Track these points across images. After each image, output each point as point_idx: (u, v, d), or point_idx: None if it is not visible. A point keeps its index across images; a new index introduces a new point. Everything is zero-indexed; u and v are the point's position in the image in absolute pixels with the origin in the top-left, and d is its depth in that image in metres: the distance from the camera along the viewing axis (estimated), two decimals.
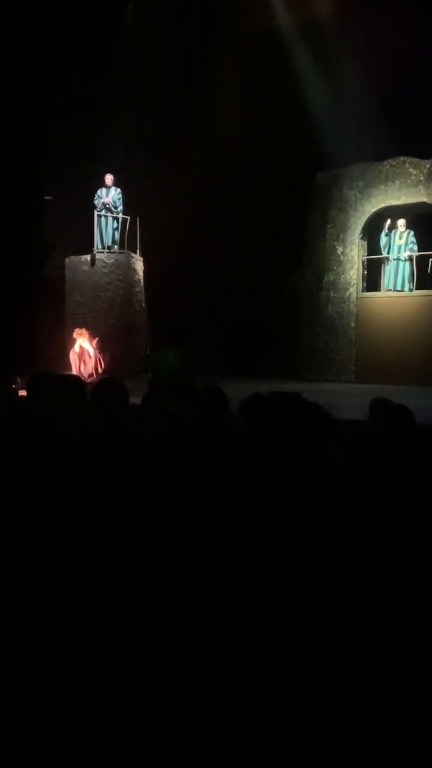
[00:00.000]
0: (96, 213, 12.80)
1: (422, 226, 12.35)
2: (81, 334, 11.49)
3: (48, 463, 2.23)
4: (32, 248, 13.65)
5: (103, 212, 12.82)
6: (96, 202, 12.83)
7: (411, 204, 12.18)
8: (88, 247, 12.86)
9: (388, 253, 12.16)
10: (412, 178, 12.07)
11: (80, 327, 11.78)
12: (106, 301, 12.69)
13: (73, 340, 11.56)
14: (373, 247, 12.66)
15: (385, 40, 11.86)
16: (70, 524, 1.90)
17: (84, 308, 12.66)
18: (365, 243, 12.79)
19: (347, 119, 12.95)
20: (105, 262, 12.76)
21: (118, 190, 12.91)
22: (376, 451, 3.01)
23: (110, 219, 12.83)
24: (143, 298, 13.46)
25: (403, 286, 12.13)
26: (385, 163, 12.35)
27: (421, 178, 11.98)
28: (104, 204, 12.79)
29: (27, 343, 11.76)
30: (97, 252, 12.78)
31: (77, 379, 3.63)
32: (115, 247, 12.87)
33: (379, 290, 12.55)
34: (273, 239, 13.80)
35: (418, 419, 3.34)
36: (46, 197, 14.26)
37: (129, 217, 12.80)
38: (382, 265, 12.41)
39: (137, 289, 13.22)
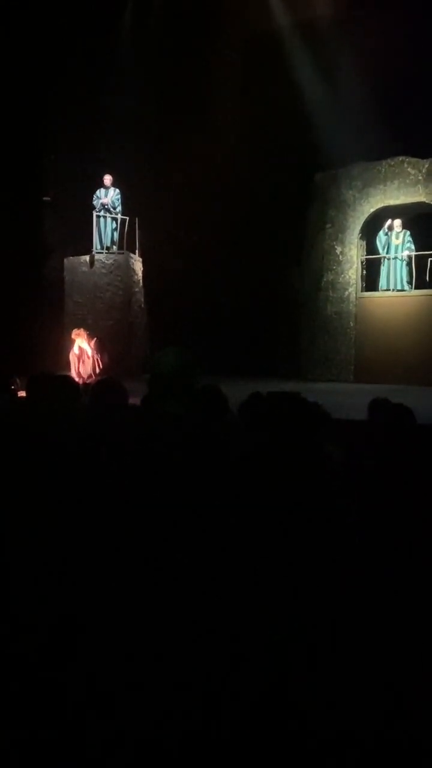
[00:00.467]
0: (95, 214, 12.81)
1: (421, 226, 12.37)
2: (79, 335, 11.48)
3: (47, 464, 2.23)
4: (31, 249, 13.66)
5: (102, 213, 12.82)
6: (95, 202, 12.83)
7: (410, 204, 12.19)
8: (87, 248, 12.86)
9: (387, 252, 12.18)
10: (411, 177, 12.08)
11: (78, 327, 11.78)
12: (105, 301, 12.70)
13: (72, 341, 11.55)
14: (371, 247, 12.67)
15: (385, 40, 11.86)
16: (70, 525, 1.90)
17: (83, 309, 12.66)
18: (364, 243, 12.81)
19: (346, 119, 12.95)
20: (104, 262, 12.76)
21: (117, 190, 12.91)
22: (376, 451, 3.02)
23: (109, 220, 12.83)
24: (142, 299, 13.47)
25: (402, 285, 12.14)
26: (384, 162, 12.36)
27: (420, 177, 12.00)
28: (103, 205, 12.80)
29: (26, 343, 11.77)
30: (96, 253, 12.79)
31: (71, 380, 3.64)
32: (114, 247, 12.87)
33: (378, 290, 12.56)
34: (272, 239, 13.81)
35: (417, 419, 3.34)
36: (44, 198, 14.26)
37: (128, 218, 12.80)
38: (381, 265, 12.43)
39: (136, 289, 13.23)
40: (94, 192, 12.89)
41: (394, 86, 12.70)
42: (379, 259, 12.37)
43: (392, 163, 12.28)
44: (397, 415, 3.23)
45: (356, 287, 12.66)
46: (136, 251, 13.13)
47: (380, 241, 12.21)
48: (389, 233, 12.14)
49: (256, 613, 1.71)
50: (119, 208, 12.86)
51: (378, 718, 1.67)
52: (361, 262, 12.71)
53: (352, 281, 12.65)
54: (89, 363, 11.34)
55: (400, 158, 12.21)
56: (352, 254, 12.67)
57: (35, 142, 13.76)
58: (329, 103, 13.47)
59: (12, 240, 13.01)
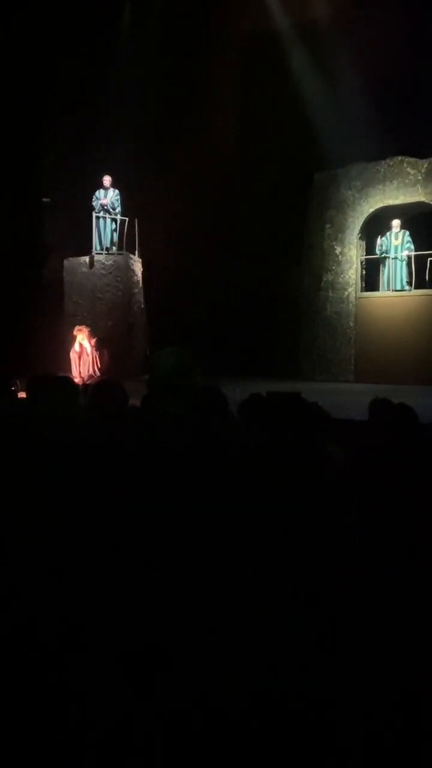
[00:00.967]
0: (94, 214, 12.80)
1: (420, 225, 12.37)
2: (81, 331, 11.49)
3: (47, 464, 2.23)
4: (31, 250, 13.66)
5: (101, 214, 12.82)
6: (94, 203, 12.83)
7: (409, 203, 12.19)
8: (86, 249, 12.86)
9: (387, 253, 12.17)
10: (410, 177, 12.08)
11: (80, 325, 11.77)
12: (104, 302, 12.70)
13: (73, 338, 11.55)
14: (371, 247, 12.67)
15: (384, 40, 11.87)
16: (70, 525, 1.90)
17: (83, 310, 12.67)
18: (363, 243, 12.80)
19: (345, 119, 12.96)
20: (103, 263, 12.76)
21: (116, 191, 12.91)
22: (378, 451, 3.01)
23: (108, 220, 12.83)
24: (142, 299, 13.47)
25: (401, 286, 12.14)
26: (383, 162, 12.36)
27: (419, 177, 12.00)
28: (102, 205, 12.79)
29: (26, 344, 11.76)
30: (96, 253, 12.79)
31: (71, 381, 3.64)
32: (114, 248, 12.87)
33: (378, 290, 12.56)
34: (271, 240, 13.81)
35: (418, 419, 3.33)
36: (44, 199, 14.26)
37: (127, 219, 12.80)
38: (380, 265, 12.43)
39: (136, 290, 13.23)
40: (94, 193, 12.89)
41: (394, 86, 12.71)
42: (379, 259, 12.37)
43: (391, 163, 12.28)
44: (400, 414, 3.23)
45: (356, 287, 12.66)
46: (136, 252, 13.13)
47: (380, 248, 12.21)
48: (387, 233, 12.15)
49: (256, 613, 1.71)
50: (119, 209, 12.86)
51: (378, 717, 1.67)
52: (361, 262, 12.71)
53: (352, 281, 12.66)
54: (88, 361, 11.34)
55: (400, 158, 12.21)
56: (351, 254, 12.67)
57: (35, 142, 13.77)
58: (329, 103, 13.47)
59: (12, 241, 13.01)
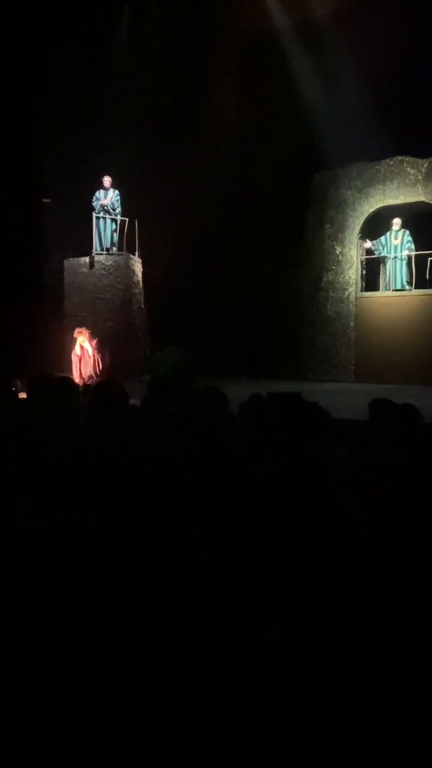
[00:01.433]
0: (94, 215, 12.81)
1: (421, 225, 12.36)
2: (81, 333, 11.50)
3: (47, 465, 2.23)
4: (31, 251, 13.66)
5: (101, 214, 12.83)
6: (94, 204, 12.84)
7: (409, 203, 12.19)
8: (86, 250, 12.87)
9: (388, 252, 12.17)
10: (410, 177, 12.08)
11: (81, 326, 11.79)
12: (105, 302, 12.71)
13: (74, 340, 11.56)
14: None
15: (384, 40, 11.87)
16: (70, 525, 1.90)
17: (83, 310, 12.68)
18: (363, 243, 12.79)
19: (345, 119, 12.96)
20: (104, 264, 12.77)
21: (116, 192, 12.92)
22: (380, 451, 3.01)
23: (108, 221, 12.84)
24: (142, 300, 13.48)
25: (401, 285, 12.14)
26: (383, 162, 12.36)
27: (419, 177, 11.99)
28: (102, 206, 12.80)
29: (26, 345, 11.76)
30: (96, 254, 12.80)
31: (71, 381, 3.64)
32: (114, 248, 12.88)
33: (378, 290, 12.56)
34: (271, 240, 13.81)
35: None
36: (44, 200, 14.26)
37: (127, 219, 12.80)
38: (380, 265, 12.43)
39: (136, 290, 13.24)
40: (94, 193, 12.90)
41: (394, 86, 12.71)
42: (379, 259, 12.36)
43: (391, 162, 12.28)
44: (405, 414, 3.24)
45: (356, 287, 12.66)
46: (136, 252, 13.14)
47: (380, 246, 12.20)
48: (387, 233, 12.15)
49: (256, 612, 1.71)
50: (119, 210, 12.87)
51: (378, 715, 1.67)
52: (361, 262, 12.71)
53: (352, 281, 12.65)
54: (90, 362, 11.36)
55: (400, 158, 12.21)
56: (351, 254, 12.67)
57: (35, 143, 13.77)
58: (329, 103, 13.48)
59: (12, 241, 13.01)
